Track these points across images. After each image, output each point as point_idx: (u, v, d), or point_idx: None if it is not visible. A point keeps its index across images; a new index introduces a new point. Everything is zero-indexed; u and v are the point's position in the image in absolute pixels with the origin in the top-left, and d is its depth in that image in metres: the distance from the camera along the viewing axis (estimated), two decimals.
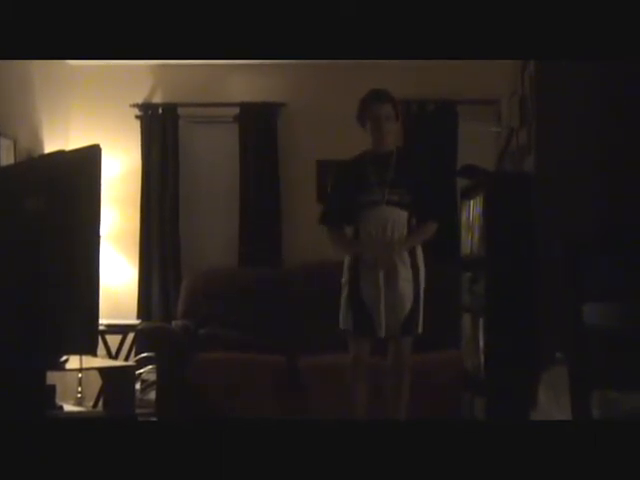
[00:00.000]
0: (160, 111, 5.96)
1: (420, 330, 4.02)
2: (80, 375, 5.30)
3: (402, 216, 3.96)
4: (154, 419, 4.92)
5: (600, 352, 2.80)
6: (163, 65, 5.90)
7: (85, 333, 2.18)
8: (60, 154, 2.51)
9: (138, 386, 4.97)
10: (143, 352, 5.18)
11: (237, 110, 5.97)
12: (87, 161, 2.20)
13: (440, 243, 5.61)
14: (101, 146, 2.22)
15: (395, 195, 3.96)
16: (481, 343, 4.23)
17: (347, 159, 4.22)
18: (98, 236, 2.26)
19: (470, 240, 4.52)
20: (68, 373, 4.91)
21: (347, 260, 4.04)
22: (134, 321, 5.66)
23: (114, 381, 3.73)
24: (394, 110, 4.08)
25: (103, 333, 5.30)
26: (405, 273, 3.94)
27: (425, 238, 4.06)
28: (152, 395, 5.01)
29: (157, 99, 6.02)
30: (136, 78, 5.93)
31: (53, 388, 2.54)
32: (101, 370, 3.89)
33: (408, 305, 3.94)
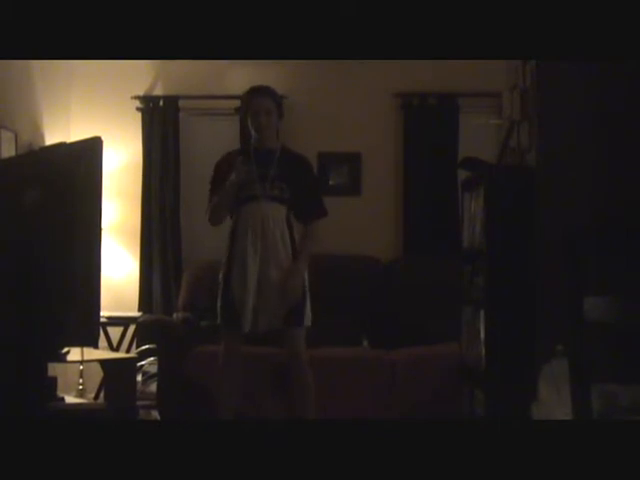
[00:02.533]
0: (161, 103, 5.96)
1: (308, 323, 4.04)
2: (81, 367, 5.31)
3: (281, 211, 3.98)
4: (155, 411, 4.94)
5: (601, 345, 2.80)
6: None
7: (86, 325, 2.19)
8: (61, 146, 2.52)
9: (139, 378, 4.98)
10: (144, 344, 5.19)
11: (238, 103, 5.96)
12: (88, 153, 2.20)
13: (441, 235, 5.68)
14: (102, 138, 2.22)
15: (275, 190, 3.97)
16: (481, 335, 4.23)
17: (226, 154, 4.21)
18: (99, 228, 2.26)
19: (471, 233, 4.52)
20: (69, 365, 4.92)
21: (223, 258, 4.05)
22: (135, 313, 5.67)
23: (115, 373, 3.75)
24: (275, 105, 4.08)
25: (104, 325, 5.31)
26: (285, 270, 3.94)
27: (315, 242, 4.09)
28: (153, 387, 5.02)
29: (158, 91, 6.01)
30: (137, 70, 5.92)
31: (54, 380, 2.55)
32: (102, 362, 3.91)
33: (290, 301, 3.94)
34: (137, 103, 5.96)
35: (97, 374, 4.96)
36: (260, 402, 4.76)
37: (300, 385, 4.05)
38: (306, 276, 4.03)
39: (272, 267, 3.94)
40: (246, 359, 4.22)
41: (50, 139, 5.48)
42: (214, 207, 4.06)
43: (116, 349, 5.45)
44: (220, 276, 4.06)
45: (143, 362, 5.09)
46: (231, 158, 4.09)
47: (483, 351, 4.19)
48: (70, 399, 2.75)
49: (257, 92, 4.11)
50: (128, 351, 5.45)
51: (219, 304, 4.04)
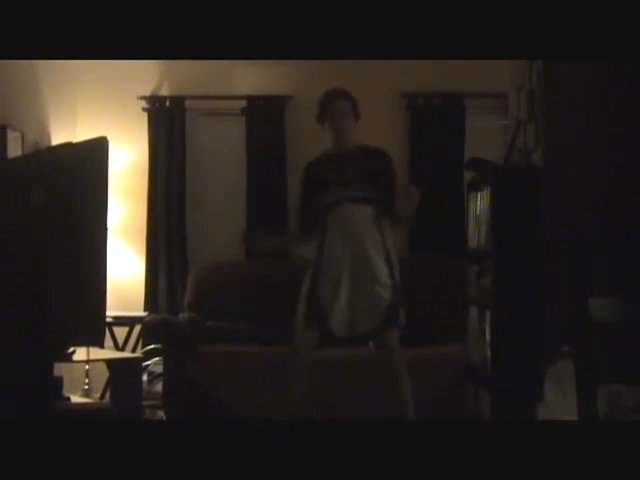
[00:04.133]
0: (167, 104, 5.96)
1: (402, 323, 3.93)
2: (87, 367, 5.31)
3: (367, 212, 3.89)
4: (160, 411, 4.94)
5: (606, 346, 2.79)
6: None
7: (92, 325, 2.19)
8: (67, 146, 2.52)
9: (145, 378, 4.98)
10: (150, 344, 5.20)
11: (244, 103, 5.97)
12: (94, 153, 2.20)
13: (447, 236, 5.67)
14: (108, 138, 2.22)
15: (359, 192, 3.89)
16: (487, 337, 4.23)
17: (308, 162, 4.16)
18: (105, 228, 2.26)
19: (477, 233, 4.51)
20: (75, 365, 4.92)
21: (311, 262, 3.96)
22: (141, 313, 5.67)
23: (121, 373, 3.74)
24: (352, 107, 4.04)
25: (110, 325, 5.32)
26: (378, 271, 3.88)
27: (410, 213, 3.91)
28: (159, 387, 5.03)
29: (164, 92, 6.02)
30: (143, 71, 5.93)
31: (60, 379, 2.55)
32: (108, 362, 3.91)
33: (384, 302, 3.86)
34: (143, 103, 5.97)
35: (103, 374, 4.96)
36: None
37: (396, 386, 3.94)
38: (399, 275, 3.95)
39: (366, 269, 3.86)
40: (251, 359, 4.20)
41: (56, 139, 5.49)
42: (270, 248, 4.13)
43: (122, 349, 5.45)
44: (307, 280, 3.97)
45: (149, 362, 5.10)
46: (315, 166, 4.07)
47: (489, 352, 4.19)
48: (76, 399, 2.75)
49: (335, 95, 4.08)
50: (134, 351, 5.45)
51: (304, 308, 3.92)
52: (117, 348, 5.42)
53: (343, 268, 3.85)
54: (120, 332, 5.48)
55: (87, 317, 2.17)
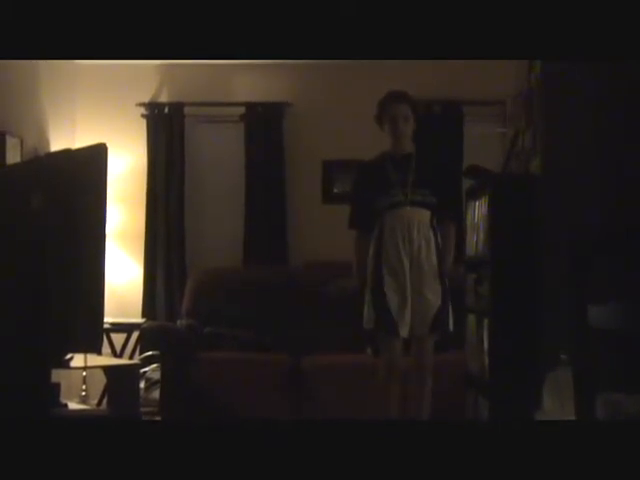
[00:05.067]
0: (166, 110, 5.97)
1: (451, 328, 3.99)
2: (85, 373, 5.31)
3: (426, 216, 3.94)
4: (158, 418, 4.93)
5: (605, 354, 2.79)
6: (169, 64, 5.91)
7: (90, 331, 2.19)
8: (66, 153, 2.52)
9: (142, 385, 4.97)
10: (148, 351, 5.19)
11: (243, 110, 5.98)
12: (93, 160, 2.20)
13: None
14: (107, 145, 2.22)
15: (418, 196, 3.94)
16: (485, 344, 4.22)
17: (366, 161, 4.20)
18: (104, 234, 2.26)
19: (475, 241, 4.51)
20: (73, 371, 4.91)
21: (370, 264, 4.00)
22: (139, 320, 5.67)
23: (118, 379, 3.73)
24: (412, 111, 4.04)
25: (108, 331, 5.31)
26: (432, 278, 3.93)
27: (452, 244, 4.06)
28: (156, 394, 5.02)
29: (163, 98, 6.03)
30: (142, 77, 5.94)
31: (58, 386, 2.55)
32: (106, 368, 3.89)
33: (435, 307, 3.92)
34: (142, 110, 5.98)
35: (100, 380, 4.95)
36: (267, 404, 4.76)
37: (421, 389, 4.01)
38: (447, 283, 3.99)
39: (421, 273, 3.91)
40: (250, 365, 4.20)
41: (55, 145, 5.49)
42: (356, 257, 4.07)
43: (119, 355, 5.44)
44: (369, 284, 4.00)
45: (146, 369, 5.09)
46: (374, 166, 4.09)
47: (487, 360, 4.18)
48: (73, 405, 2.75)
49: (395, 98, 4.05)
50: (131, 357, 5.44)
51: (372, 314, 3.95)
52: (115, 355, 5.41)
53: (405, 275, 3.90)
54: (118, 339, 5.48)
55: (85, 323, 2.17)
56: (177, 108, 5.96)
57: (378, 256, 3.96)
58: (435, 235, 3.96)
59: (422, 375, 3.99)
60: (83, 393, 5.33)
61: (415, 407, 3.99)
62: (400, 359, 3.96)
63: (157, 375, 5.05)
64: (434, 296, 3.91)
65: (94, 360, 3.79)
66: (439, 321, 3.92)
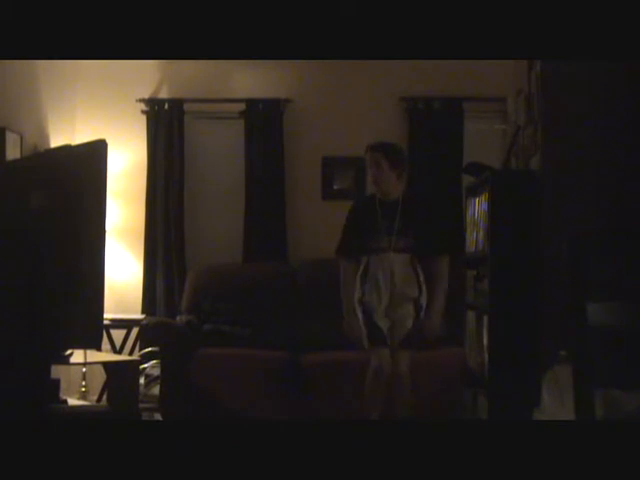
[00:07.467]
0: (166, 106, 5.97)
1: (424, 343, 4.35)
2: (84, 369, 5.32)
3: (406, 259, 4.29)
4: (157, 413, 4.94)
5: (604, 351, 2.79)
6: (169, 61, 5.91)
7: (90, 327, 2.19)
8: (66, 149, 2.52)
9: (142, 380, 4.98)
10: (147, 347, 5.20)
11: (243, 106, 5.98)
12: (93, 156, 2.20)
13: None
14: (107, 141, 2.22)
15: (401, 242, 4.26)
16: (485, 341, 4.23)
17: (362, 198, 4.60)
18: (103, 231, 2.26)
19: (475, 237, 4.51)
20: (72, 367, 4.93)
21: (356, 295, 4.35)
22: (138, 316, 5.68)
23: (118, 375, 3.74)
24: (386, 159, 4.28)
25: (108, 327, 5.32)
26: (408, 298, 4.30)
27: (443, 280, 4.34)
28: (156, 390, 5.03)
29: (163, 94, 6.03)
30: (142, 73, 5.94)
31: (57, 382, 2.55)
32: (105, 364, 3.90)
33: (409, 325, 4.27)
34: (142, 106, 5.98)
35: (100, 376, 4.97)
36: (258, 403, 4.77)
37: (400, 397, 4.26)
38: (424, 302, 4.33)
39: (402, 302, 4.29)
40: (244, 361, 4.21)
41: (55, 141, 5.49)
42: (343, 283, 4.41)
43: (119, 352, 5.45)
44: (356, 307, 4.34)
45: (146, 365, 5.10)
46: (364, 207, 4.41)
47: (486, 357, 4.19)
48: (73, 401, 2.75)
49: (370, 147, 4.38)
50: (131, 354, 5.45)
51: (364, 332, 4.29)
52: (114, 351, 5.42)
53: (384, 300, 4.29)
54: (117, 335, 5.48)
55: (85, 319, 2.17)
56: (177, 104, 5.96)
57: (363, 289, 4.33)
58: (414, 268, 4.31)
59: (400, 383, 4.22)
60: (83, 389, 5.35)
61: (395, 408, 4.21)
62: (388, 367, 4.20)
63: (157, 371, 5.06)
64: (412, 310, 4.29)
65: (94, 356, 3.79)
66: (410, 340, 4.27)
